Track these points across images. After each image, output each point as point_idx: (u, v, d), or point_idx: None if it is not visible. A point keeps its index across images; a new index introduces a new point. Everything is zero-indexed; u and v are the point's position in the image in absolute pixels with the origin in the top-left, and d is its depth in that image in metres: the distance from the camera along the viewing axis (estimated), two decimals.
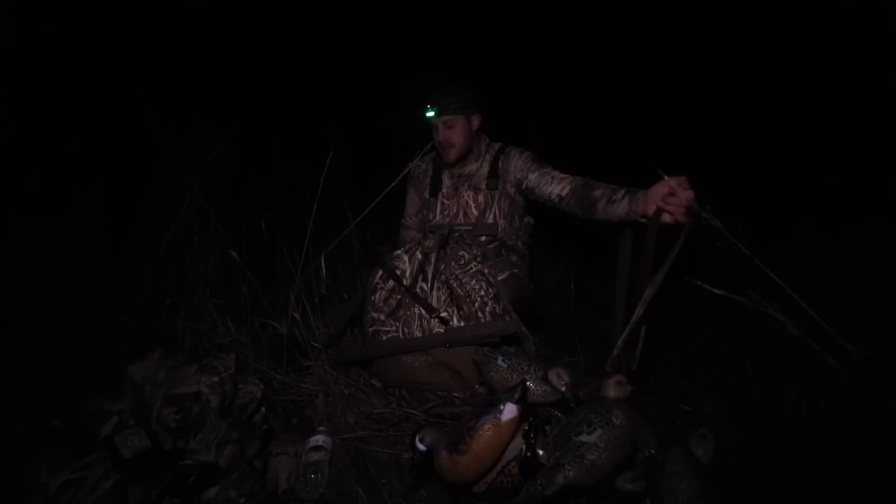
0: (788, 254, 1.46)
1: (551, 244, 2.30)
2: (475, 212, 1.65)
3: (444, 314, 1.36)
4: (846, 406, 1.19)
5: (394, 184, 1.43)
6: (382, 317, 1.42)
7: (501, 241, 1.64)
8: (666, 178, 1.21)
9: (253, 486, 1.10)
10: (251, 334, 1.53)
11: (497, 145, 1.72)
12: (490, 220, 1.64)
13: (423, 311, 1.38)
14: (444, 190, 1.71)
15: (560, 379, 1.16)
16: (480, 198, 1.65)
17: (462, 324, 1.35)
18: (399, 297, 1.42)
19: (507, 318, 1.39)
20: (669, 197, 1.21)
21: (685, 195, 1.19)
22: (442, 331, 1.35)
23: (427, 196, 1.75)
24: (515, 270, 1.58)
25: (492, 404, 1.02)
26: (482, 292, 1.37)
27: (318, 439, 1.19)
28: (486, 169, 1.67)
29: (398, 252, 1.48)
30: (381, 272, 1.45)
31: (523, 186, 1.60)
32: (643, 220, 1.28)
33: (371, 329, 1.43)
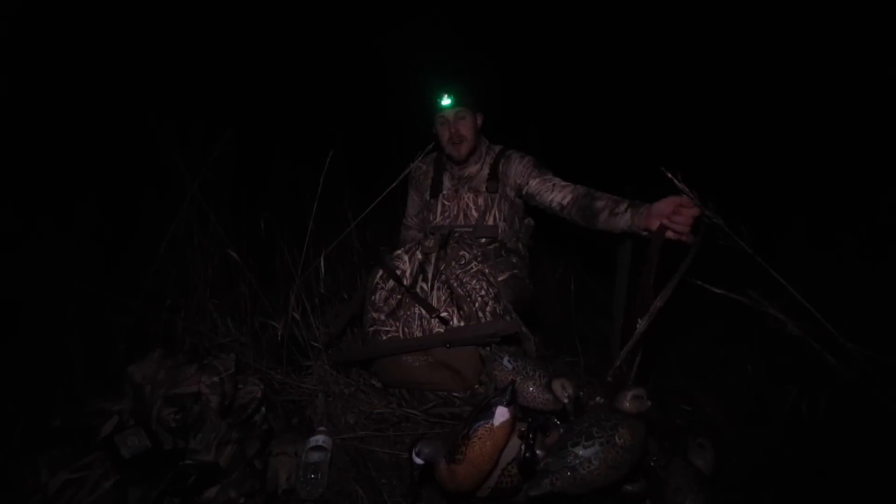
0: (789, 253, 1.46)
1: (551, 245, 2.30)
2: (475, 214, 1.65)
3: (444, 314, 1.36)
4: (846, 406, 1.19)
5: (394, 184, 1.43)
6: (382, 317, 1.42)
7: (501, 243, 1.64)
8: (670, 196, 1.18)
9: (253, 486, 1.10)
10: (251, 334, 1.53)
11: (497, 148, 1.71)
12: (490, 222, 1.64)
13: (424, 311, 1.38)
14: (444, 191, 1.70)
15: (564, 390, 1.13)
16: (480, 200, 1.65)
17: (462, 324, 1.35)
18: (399, 297, 1.42)
19: (508, 318, 1.38)
20: (675, 215, 1.17)
21: (690, 213, 1.15)
22: (442, 331, 1.35)
23: (428, 197, 1.75)
24: (516, 271, 1.58)
25: (483, 409, 1.00)
26: (482, 292, 1.37)
27: (318, 439, 1.19)
28: (486, 171, 1.67)
29: (398, 252, 1.48)
30: (381, 272, 1.45)
31: (523, 192, 1.60)
32: (645, 234, 1.26)
33: (371, 329, 1.43)
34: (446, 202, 1.69)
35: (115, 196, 1.91)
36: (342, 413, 1.35)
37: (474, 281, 1.38)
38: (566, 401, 1.12)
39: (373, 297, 1.44)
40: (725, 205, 1.13)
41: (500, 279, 1.46)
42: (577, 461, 0.92)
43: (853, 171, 2.13)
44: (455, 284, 1.38)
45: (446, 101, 1.58)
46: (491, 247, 1.60)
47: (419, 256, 1.45)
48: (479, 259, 1.42)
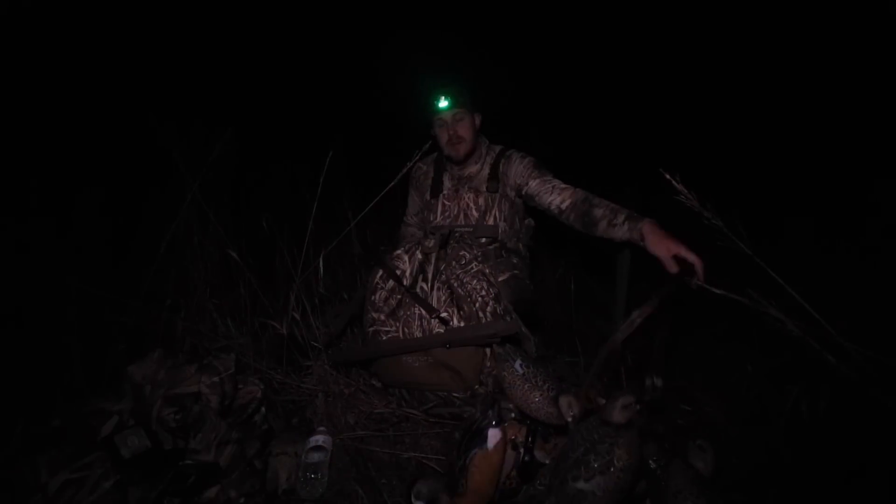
0: (788, 253, 1.46)
1: (551, 245, 2.30)
2: (475, 214, 1.65)
3: (444, 314, 1.36)
4: (846, 406, 1.19)
5: (393, 183, 1.43)
6: (382, 317, 1.42)
7: (502, 244, 1.64)
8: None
9: (253, 486, 1.10)
10: (251, 334, 1.53)
11: (497, 148, 1.71)
12: (490, 222, 1.64)
13: (424, 312, 1.38)
14: (444, 192, 1.70)
15: (570, 408, 1.11)
16: (481, 200, 1.65)
17: (462, 324, 1.35)
18: (399, 297, 1.42)
19: (508, 318, 1.38)
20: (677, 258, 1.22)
21: (694, 261, 1.20)
22: (442, 331, 1.35)
23: (428, 197, 1.75)
24: (516, 272, 1.58)
25: (473, 435, 1.00)
26: (483, 292, 1.37)
27: (318, 439, 1.19)
28: (486, 171, 1.67)
29: (398, 252, 1.48)
30: (381, 272, 1.45)
31: (523, 192, 1.60)
32: (642, 244, 1.31)
33: (371, 329, 1.43)
34: (447, 202, 1.69)
35: (115, 196, 1.91)
36: (342, 413, 1.35)
37: (475, 281, 1.38)
38: (570, 419, 1.10)
39: (373, 297, 1.44)
40: (725, 205, 1.13)
41: (500, 279, 1.45)
42: (581, 496, 0.90)
43: (852, 171, 2.13)
44: (455, 284, 1.37)
45: (443, 103, 1.58)
46: (491, 247, 1.60)
47: (419, 256, 1.45)
48: (479, 259, 1.42)
